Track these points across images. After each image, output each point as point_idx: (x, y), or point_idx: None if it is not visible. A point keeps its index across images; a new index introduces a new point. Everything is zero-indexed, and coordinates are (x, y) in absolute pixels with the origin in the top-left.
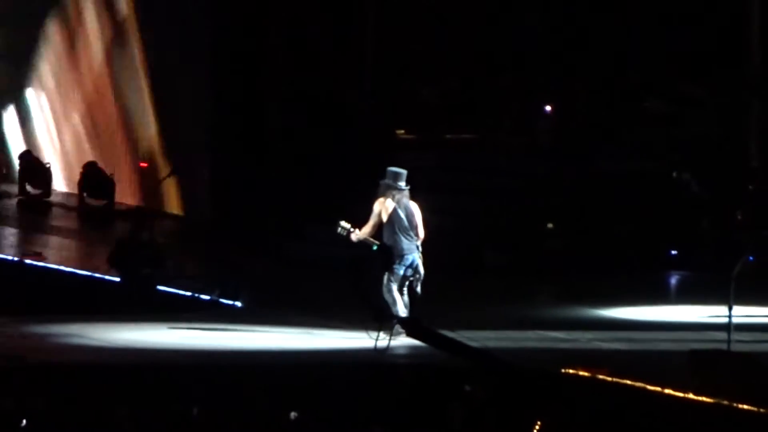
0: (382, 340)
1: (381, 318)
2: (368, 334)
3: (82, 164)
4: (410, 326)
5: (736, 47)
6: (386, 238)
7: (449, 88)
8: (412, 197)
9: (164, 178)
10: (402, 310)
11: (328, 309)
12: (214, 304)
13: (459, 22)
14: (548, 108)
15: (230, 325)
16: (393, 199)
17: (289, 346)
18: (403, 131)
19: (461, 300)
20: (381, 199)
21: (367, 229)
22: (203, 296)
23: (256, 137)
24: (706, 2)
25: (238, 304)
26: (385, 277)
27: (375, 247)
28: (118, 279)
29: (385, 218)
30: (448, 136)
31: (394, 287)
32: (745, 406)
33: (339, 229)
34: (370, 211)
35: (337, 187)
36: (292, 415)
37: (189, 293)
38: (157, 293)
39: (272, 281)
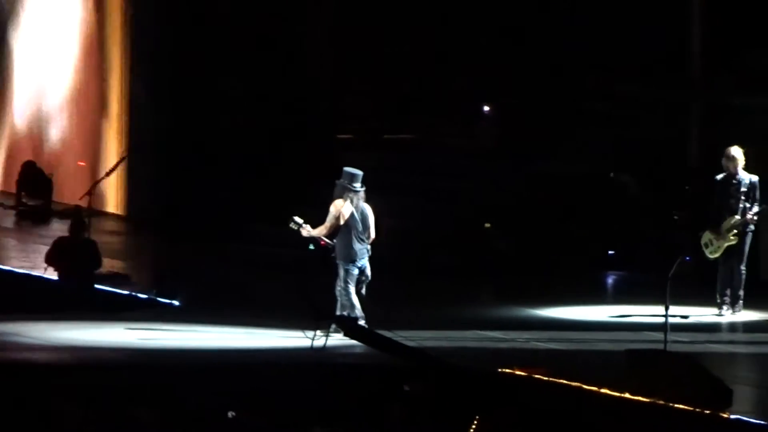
0: (318, 339)
1: (321, 317)
2: (305, 334)
3: (20, 163)
4: (347, 326)
5: (678, 49)
6: (339, 242)
7: (390, 88)
8: (367, 199)
9: (104, 177)
10: (358, 313)
11: (268, 308)
12: (151, 303)
13: (402, 22)
14: (487, 108)
15: (168, 324)
16: (351, 203)
17: (226, 345)
18: (351, 135)
19: (402, 301)
20: (338, 202)
21: (323, 229)
22: (141, 295)
23: (202, 137)
24: (648, 3)
25: (176, 303)
26: (341, 280)
27: (311, 247)
28: (55, 278)
29: (341, 222)
30: (387, 136)
31: (352, 289)
32: (682, 406)
33: (291, 223)
34: (323, 211)
35: (281, 187)
36: (230, 414)
37: (126, 292)
38: (95, 292)
39: (214, 281)
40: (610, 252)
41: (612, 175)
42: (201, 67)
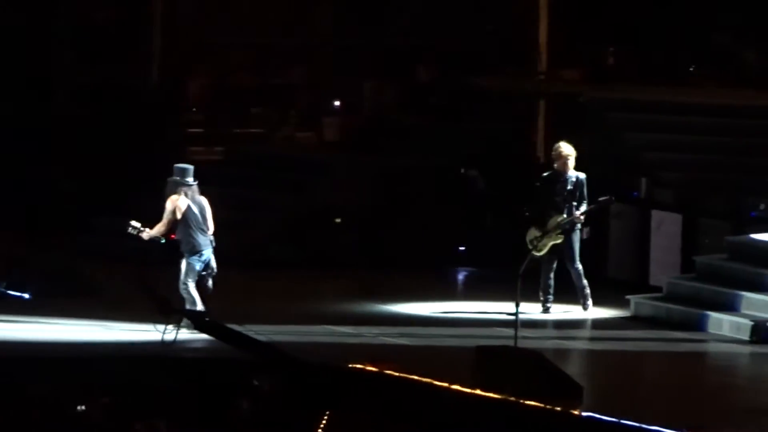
0: (169, 333)
1: (167, 311)
2: (155, 327)
3: None
4: (197, 319)
5: (526, 43)
6: (181, 236)
7: (238, 80)
8: (201, 192)
9: None
10: (199, 307)
11: (116, 301)
12: (1, 296)
13: (249, 12)
14: (337, 103)
15: (18, 316)
16: (187, 196)
17: (76, 338)
18: (199, 129)
19: (249, 295)
20: (173, 197)
21: (161, 227)
22: None
23: (42, 127)
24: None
25: (26, 295)
26: (183, 274)
27: (163, 241)
28: None
29: (179, 216)
30: (236, 130)
31: (191, 284)
32: (532, 403)
33: (129, 228)
34: (159, 206)
35: (125, 179)
36: (79, 408)
37: None
38: None
39: (62, 273)
40: (460, 248)
41: (462, 170)
42: (41, 55)
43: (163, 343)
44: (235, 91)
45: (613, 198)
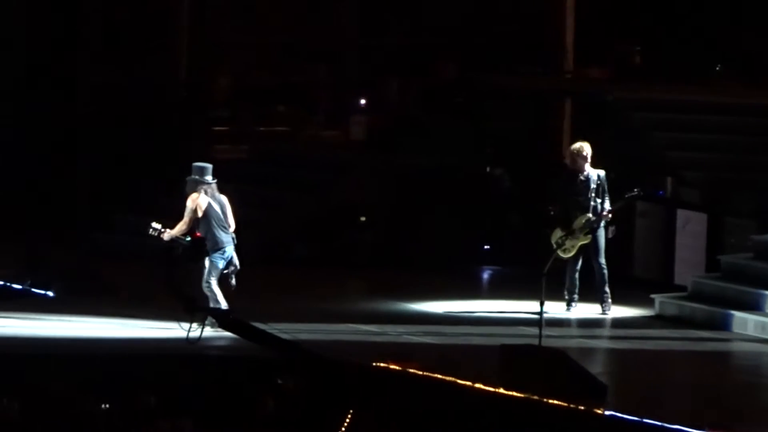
0: (194, 331)
1: (193, 309)
2: (180, 325)
3: None
4: (222, 318)
5: (553, 42)
6: (204, 234)
7: (263, 79)
8: (222, 190)
9: None
10: (222, 305)
11: (140, 299)
12: (25, 294)
13: (274, 11)
14: (363, 101)
15: (42, 314)
16: (206, 194)
17: (101, 335)
18: (224, 127)
19: (273, 293)
20: (194, 196)
21: (183, 226)
22: (15, 285)
23: (66, 126)
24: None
25: (50, 293)
26: (206, 272)
27: (188, 239)
28: None
29: (200, 214)
30: (261, 128)
31: (214, 282)
32: (555, 402)
33: (150, 230)
34: (183, 205)
35: (148, 178)
36: (103, 406)
37: (0, 282)
38: None
39: (84, 271)
40: (485, 246)
41: (488, 169)
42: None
43: (188, 341)
44: (261, 90)
45: (641, 192)
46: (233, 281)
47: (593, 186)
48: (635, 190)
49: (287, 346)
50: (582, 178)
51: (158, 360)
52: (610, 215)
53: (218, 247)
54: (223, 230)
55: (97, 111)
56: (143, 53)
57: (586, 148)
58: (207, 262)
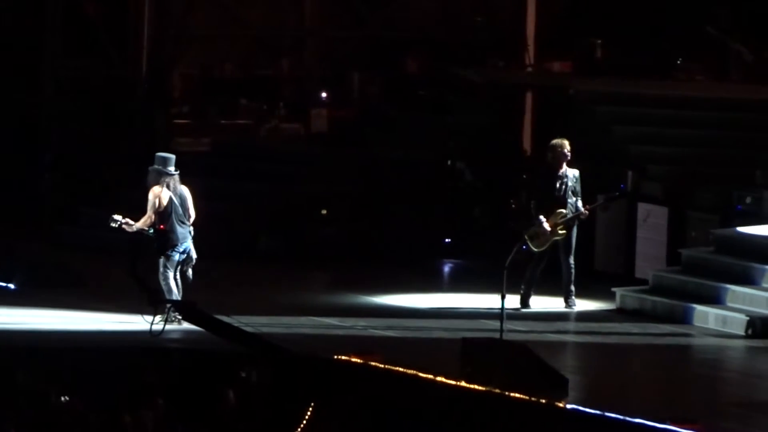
0: (157, 324)
1: (156, 301)
2: (143, 318)
3: None
4: (186, 310)
5: (515, 35)
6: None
7: (226, 72)
8: (185, 183)
9: None
10: (177, 296)
11: (103, 292)
12: None
13: (236, 3)
14: (324, 95)
15: (3, 307)
16: (169, 187)
17: (63, 327)
18: (187, 120)
19: (235, 286)
20: (156, 189)
21: (146, 219)
22: None
23: (30, 118)
24: None
25: (12, 286)
26: (161, 264)
27: (151, 231)
28: None
29: (160, 208)
30: (223, 121)
31: (170, 274)
32: (516, 395)
33: (111, 222)
34: (145, 198)
35: (113, 170)
36: (63, 398)
37: None
38: None
39: (47, 264)
40: (445, 240)
41: (449, 162)
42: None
43: (151, 334)
44: (223, 83)
45: (622, 193)
46: (190, 273)
47: (570, 184)
48: (617, 192)
49: (250, 339)
50: (560, 174)
51: (120, 352)
52: (586, 214)
53: (174, 241)
54: (180, 225)
55: (62, 103)
56: (106, 46)
57: (566, 144)
58: (162, 256)
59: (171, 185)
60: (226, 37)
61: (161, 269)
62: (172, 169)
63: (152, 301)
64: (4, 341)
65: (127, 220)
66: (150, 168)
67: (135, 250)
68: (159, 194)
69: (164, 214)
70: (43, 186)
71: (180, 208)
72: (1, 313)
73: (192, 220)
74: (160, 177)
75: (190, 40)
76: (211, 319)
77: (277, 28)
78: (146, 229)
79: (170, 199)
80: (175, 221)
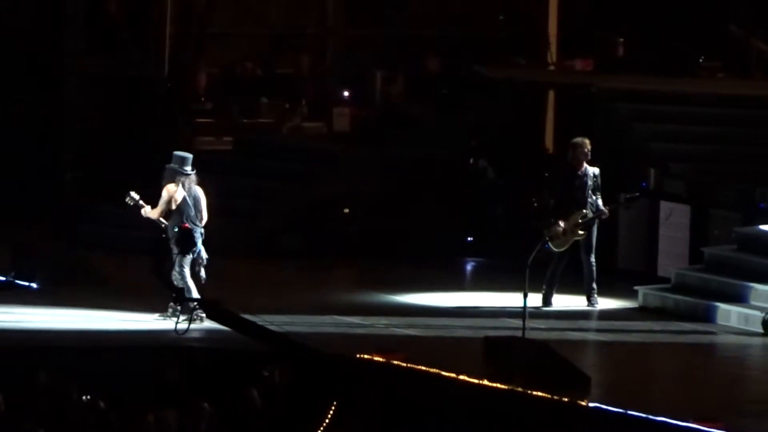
0: (181, 322)
1: (181, 300)
2: (167, 317)
3: None
4: (210, 309)
5: (537, 33)
6: (174, 226)
7: (248, 70)
8: (206, 181)
9: None
10: (195, 295)
11: (124, 290)
12: (9, 285)
13: (259, 2)
14: (346, 93)
15: (26, 307)
16: (183, 187)
17: (86, 327)
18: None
19: (258, 285)
20: (170, 187)
21: (156, 212)
22: None
23: (52, 116)
24: None
25: (34, 285)
26: (177, 264)
27: (176, 229)
28: None
29: (173, 207)
30: (245, 120)
31: (187, 272)
32: (539, 393)
33: (127, 198)
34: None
35: (132, 168)
36: (84, 398)
37: None
38: None
39: (69, 263)
40: (468, 238)
41: (471, 160)
42: (52, 44)
43: (176, 332)
44: (245, 82)
45: (641, 194)
46: (203, 274)
47: (590, 183)
48: (637, 192)
49: (275, 337)
50: (580, 173)
51: (144, 352)
52: (607, 214)
53: (195, 241)
54: (192, 225)
55: (83, 102)
56: (129, 44)
57: (587, 143)
58: (174, 255)
59: (186, 185)
60: (247, 36)
61: (177, 268)
62: (188, 168)
63: (178, 299)
64: (26, 341)
65: (143, 203)
66: (167, 166)
67: (160, 249)
68: (173, 192)
69: (176, 213)
70: (64, 185)
71: (193, 209)
72: (23, 313)
73: (204, 222)
74: (176, 176)
75: (212, 38)
76: (235, 318)
77: (299, 26)
78: (161, 221)
79: (184, 198)
80: (187, 223)
